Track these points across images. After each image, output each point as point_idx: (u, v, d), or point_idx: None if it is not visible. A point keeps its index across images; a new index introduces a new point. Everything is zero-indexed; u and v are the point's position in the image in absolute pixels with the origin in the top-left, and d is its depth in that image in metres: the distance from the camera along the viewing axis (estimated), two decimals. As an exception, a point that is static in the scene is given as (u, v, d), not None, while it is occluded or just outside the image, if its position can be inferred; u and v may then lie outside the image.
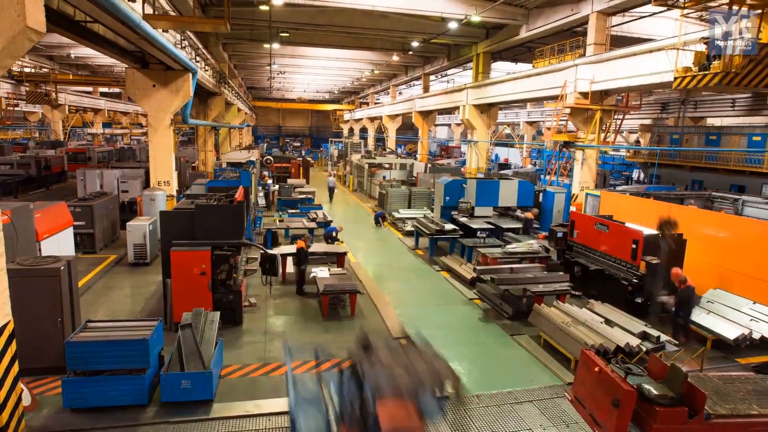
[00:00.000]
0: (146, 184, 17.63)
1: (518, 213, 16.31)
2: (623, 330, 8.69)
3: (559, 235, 12.99)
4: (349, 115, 57.71)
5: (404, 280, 13.06)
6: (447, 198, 16.50)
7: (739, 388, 5.76)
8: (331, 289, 10.34)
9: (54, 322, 7.00)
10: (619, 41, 18.55)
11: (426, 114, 36.95)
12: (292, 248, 13.02)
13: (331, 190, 26.46)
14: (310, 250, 12.25)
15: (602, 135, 17.96)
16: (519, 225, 15.90)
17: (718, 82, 11.55)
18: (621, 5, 16.23)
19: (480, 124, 27.01)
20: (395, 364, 4.22)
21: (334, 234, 15.29)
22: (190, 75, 15.51)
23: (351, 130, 61.66)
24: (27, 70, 28.86)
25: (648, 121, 30.01)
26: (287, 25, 22.14)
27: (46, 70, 33.52)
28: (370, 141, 51.86)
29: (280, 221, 17.09)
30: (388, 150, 41.11)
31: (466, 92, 26.89)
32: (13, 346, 5.68)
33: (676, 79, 12.81)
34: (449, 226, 15.37)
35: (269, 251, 10.14)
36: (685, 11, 12.47)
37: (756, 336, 8.86)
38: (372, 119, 52.60)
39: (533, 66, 20.99)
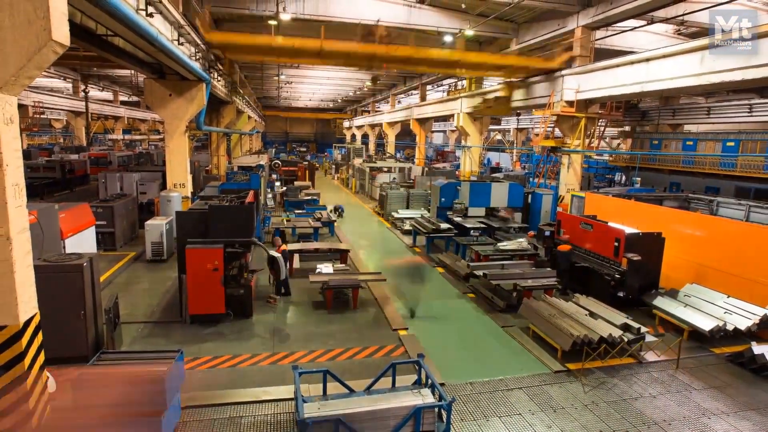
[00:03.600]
0: (163, 186, 17.60)
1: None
2: (606, 322, 8.69)
3: (547, 233, 13.03)
4: (348, 122, 58.44)
5: (402, 276, 13.03)
6: (443, 199, 16.49)
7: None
8: (335, 283, 10.36)
9: (77, 315, 6.98)
10: (603, 53, 18.54)
11: (423, 121, 36.93)
12: (295, 246, 13.01)
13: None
14: (315, 247, 12.23)
15: (587, 141, 17.97)
16: (512, 224, 15.90)
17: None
18: (605, 20, 16.22)
19: (473, 131, 27.00)
20: None
21: (340, 210, 20.62)
22: (204, 85, 15.49)
23: (353, 136, 61.61)
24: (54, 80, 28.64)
25: (628, 128, 29.94)
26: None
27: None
28: (371, 146, 51.79)
29: (287, 221, 17.08)
30: (387, 155, 41.04)
31: (460, 101, 26.88)
32: (40, 337, 5.67)
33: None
34: (444, 225, 15.36)
35: (271, 252, 10.10)
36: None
37: (729, 327, 8.86)
38: (373, 126, 52.54)
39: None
